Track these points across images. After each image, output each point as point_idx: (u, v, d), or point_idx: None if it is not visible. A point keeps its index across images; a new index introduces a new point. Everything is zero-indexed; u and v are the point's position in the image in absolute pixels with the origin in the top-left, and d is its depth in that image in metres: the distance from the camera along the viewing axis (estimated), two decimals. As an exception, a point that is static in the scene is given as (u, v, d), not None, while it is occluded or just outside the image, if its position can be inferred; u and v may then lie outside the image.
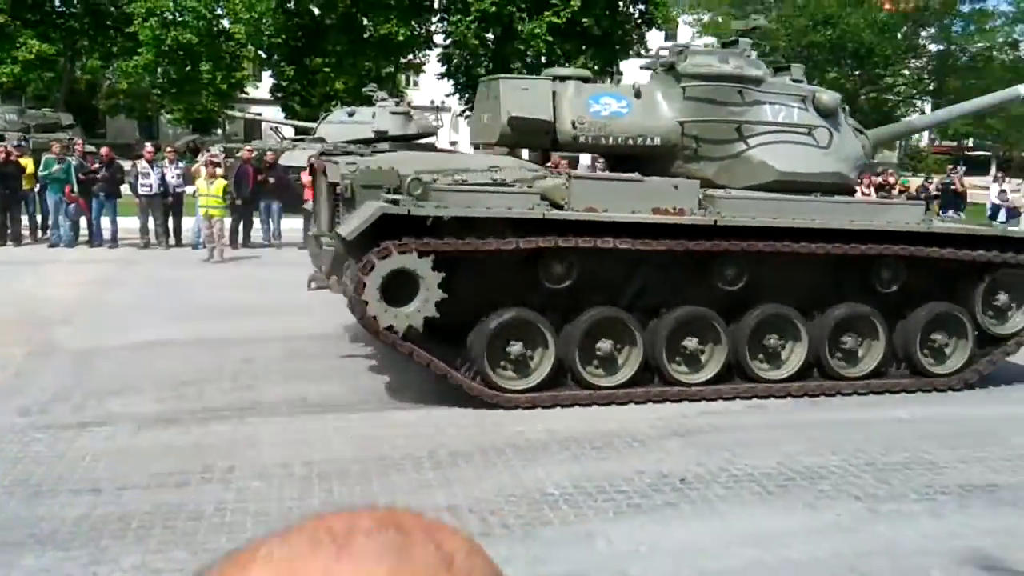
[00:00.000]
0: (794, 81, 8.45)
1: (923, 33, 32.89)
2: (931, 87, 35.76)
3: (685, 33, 37.98)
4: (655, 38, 35.63)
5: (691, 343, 7.52)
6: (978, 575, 4.54)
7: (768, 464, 6.05)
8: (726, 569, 4.57)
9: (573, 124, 7.89)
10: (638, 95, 8.03)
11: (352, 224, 6.54)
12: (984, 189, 21.47)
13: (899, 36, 31.99)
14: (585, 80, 8.21)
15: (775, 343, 7.78)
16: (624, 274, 7.42)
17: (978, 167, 47.04)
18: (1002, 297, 8.38)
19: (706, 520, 5.14)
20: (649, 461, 6.03)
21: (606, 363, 7.40)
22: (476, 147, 10.09)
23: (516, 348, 7.12)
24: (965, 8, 31.29)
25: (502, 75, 8.68)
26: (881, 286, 7.93)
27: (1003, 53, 32.29)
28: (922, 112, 40.67)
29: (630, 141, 7.97)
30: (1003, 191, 20.12)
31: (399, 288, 6.61)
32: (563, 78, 8.17)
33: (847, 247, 7.59)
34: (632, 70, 45.72)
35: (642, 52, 31.35)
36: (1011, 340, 8.45)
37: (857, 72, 33.57)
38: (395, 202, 6.58)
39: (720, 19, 33.78)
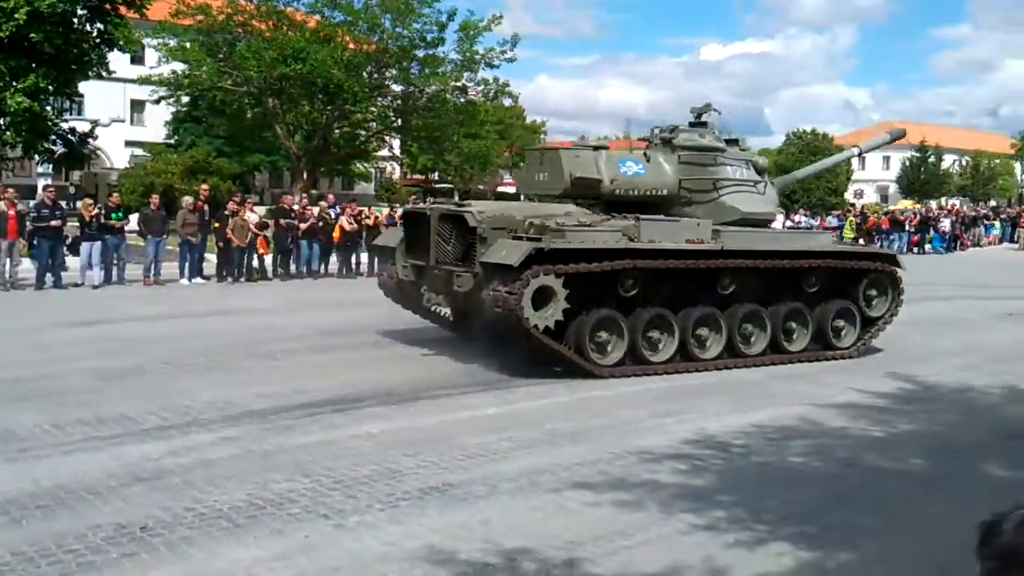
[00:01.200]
0: (741, 150, 12.73)
1: (387, 73, 35.53)
2: (397, 123, 38.87)
3: (152, 56, 36.42)
4: (119, 60, 33.60)
5: (703, 331, 10.80)
6: (429, 570, 4.90)
7: (237, 497, 5.93)
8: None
9: (611, 181, 11.13)
10: (648, 159, 11.42)
11: (512, 255, 9.36)
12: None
13: (365, 75, 34.15)
14: (597, 148, 11.48)
15: (751, 330, 11.20)
16: (665, 285, 10.53)
17: (441, 197, 52.19)
18: (873, 292, 12.28)
19: (169, 566, 4.85)
20: (106, 513, 5.53)
21: (656, 345, 10.48)
22: (529, 198, 12.69)
23: (603, 336, 10.16)
24: (421, 53, 34.42)
25: (556, 146, 12.42)
26: (808, 287, 11.60)
27: (455, 96, 36.22)
28: (390, 146, 44.06)
29: (647, 192, 11.38)
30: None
31: (540, 298, 9.46)
32: (596, 148, 11.44)
33: (797, 262, 11.38)
34: (96, 92, 42.38)
35: (103, 74, 29.30)
36: (879, 320, 12.33)
37: (329, 107, 35.14)
38: (534, 239, 9.48)
39: (188, 44, 32.98)
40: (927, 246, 35.98)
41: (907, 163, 66.65)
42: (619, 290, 10.16)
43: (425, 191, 55.59)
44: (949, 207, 47.95)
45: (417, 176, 71.61)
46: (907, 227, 35.65)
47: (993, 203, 58.00)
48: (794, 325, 11.59)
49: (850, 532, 5.63)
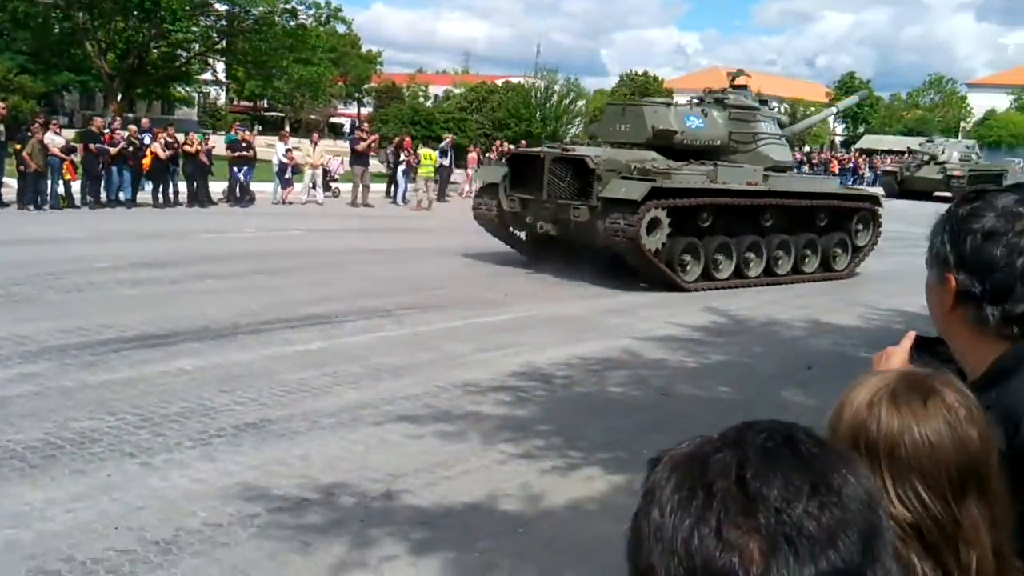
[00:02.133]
0: (770, 108, 16.55)
1: (209, -9, 33.52)
2: (221, 46, 36.79)
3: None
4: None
5: (750, 255, 13.40)
6: (243, 507, 4.73)
7: (33, 436, 5.52)
8: (-29, 563, 4.01)
9: (681, 132, 13.60)
10: (705, 115, 14.09)
11: (634, 192, 11.65)
12: (272, 147, 23.03)
13: (185, -9, 32.07)
14: (668, 104, 14.48)
15: (780, 255, 13.87)
16: (726, 218, 12.96)
17: (272, 127, 50.34)
18: (860, 226, 15.20)
19: (-49, 513, 4.46)
20: None
21: (719, 266, 13.08)
22: (610, 145, 14.32)
23: (686, 258, 12.60)
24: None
25: (641, 100, 16.50)
26: (819, 222, 14.41)
27: (284, 19, 34.58)
28: (214, 70, 41.71)
29: (706, 142, 14.00)
30: (288, 150, 21.76)
31: (651, 227, 11.78)
32: (667, 104, 14.50)
33: (817, 201, 14.32)
34: None
35: None
36: (864, 249, 15.30)
37: (146, 24, 32.80)
38: (647, 179, 11.80)
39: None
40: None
41: (731, 108, 69.45)
42: (697, 222, 12.57)
43: (253, 119, 53.34)
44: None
45: (244, 103, 68.56)
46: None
47: (807, 149, 61.40)
48: (808, 252, 14.40)
49: (661, 457, 5.86)
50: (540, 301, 11.17)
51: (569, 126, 42.05)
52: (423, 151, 23.40)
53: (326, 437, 5.90)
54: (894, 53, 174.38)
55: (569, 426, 6.33)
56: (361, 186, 22.36)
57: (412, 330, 9.16)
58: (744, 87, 15.74)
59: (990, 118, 78.17)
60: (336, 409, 6.45)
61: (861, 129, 78.45)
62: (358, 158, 22.55)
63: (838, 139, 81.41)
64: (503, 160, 19.02)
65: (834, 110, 24.59)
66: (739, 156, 14.06)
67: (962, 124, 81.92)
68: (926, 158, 38.43)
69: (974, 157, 39.35)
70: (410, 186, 23.96)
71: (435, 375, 7.49)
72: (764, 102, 15.91)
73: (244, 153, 20.30)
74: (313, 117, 45.75)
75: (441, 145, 25.57)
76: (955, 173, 35.67)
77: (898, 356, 1.67)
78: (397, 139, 24.88)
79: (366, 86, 69.13)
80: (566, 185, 12.54)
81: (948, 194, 33.03)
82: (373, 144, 23.95)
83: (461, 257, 14.56)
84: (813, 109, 76.95)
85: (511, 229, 14.20)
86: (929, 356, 1.76)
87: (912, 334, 1.71)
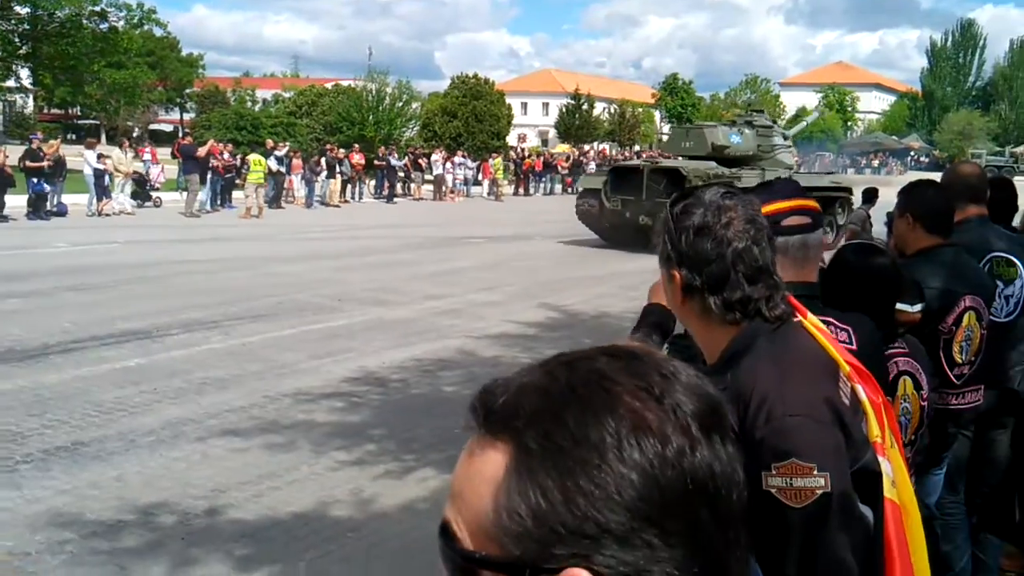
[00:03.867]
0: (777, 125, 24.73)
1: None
2: (24, 50, 34.38)
3: None
4: None
5: None
6: (53, 534, 4.45)
7: None
8: None
9: (728, 147, 19.05)
10: (742, 133, 19.56)
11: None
12: (80, 157, 21.75)
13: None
14: (725, 124, 20.90)
15: None
16: None
17: (88, 135, 47.41)
18: (839, 209, 19.59)
19: None
20: None
21: None
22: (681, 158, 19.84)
23: None
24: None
25: (701, 123, 23.87)
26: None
27: (92, 22, 32.70)
28: (18, 77, 38.96)
29: (744, 153, 19.48)
30: (100, 156, 20.64)
31: None
32: (714, 125, 21.01)
33: (823, 192, 18.30)
34: None
35: None
36: (842, 227, 18.18)
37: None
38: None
39: None
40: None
41: (563, 110, 71.12)
42: None
43: (65, 127, 50.21)
44: (599, 151, 52.07)
45: (56, 110, 64.45)
46: (559, 169, 38.25)
47: (637, 148, 63.68)
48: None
49: (493, 452, 5.93)
50: (373, 305, 11.06)
51: (403, 129, 41.91)
52: (252, 157, 22.74)
53: (144, 456, 5.62)
54: (713, 54, 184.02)
55: (402, 428, 6.30)
56: (189, 194, 21.49)
57: (240, 341, 8.87)
58: (761, 111, 23.19)
59: (801, 115, 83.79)
60: (156, 426, 6.16)
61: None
62: (192, 165, 21.64)
63: (665, 137, 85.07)
64: (601, 170, 25.01)
65: (803, 124, 33.96)
66: (764, 162, 19.47)
67: (777, 121, 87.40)
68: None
69: None
70: (238, 194, 23.26)
71: (264, 386, 7.28)
72: (774, 121, 23.94)
73: (39, 164, 19.03)
74: (130, 124, 43.45)
75: (278, 152, 24.92)
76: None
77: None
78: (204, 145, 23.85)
79: (188, 91, 66.43)
80: (662, 188, 16.91)
81: None
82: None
83: (292, 264, 14.24)
84: (640, 110, 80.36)
85: (605, 225, 18.52)
86: (676, 350, 1.92)
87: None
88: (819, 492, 1.45)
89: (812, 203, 2.04)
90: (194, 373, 7.56)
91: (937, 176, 4.20)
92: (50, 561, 4.21)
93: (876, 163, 71.97)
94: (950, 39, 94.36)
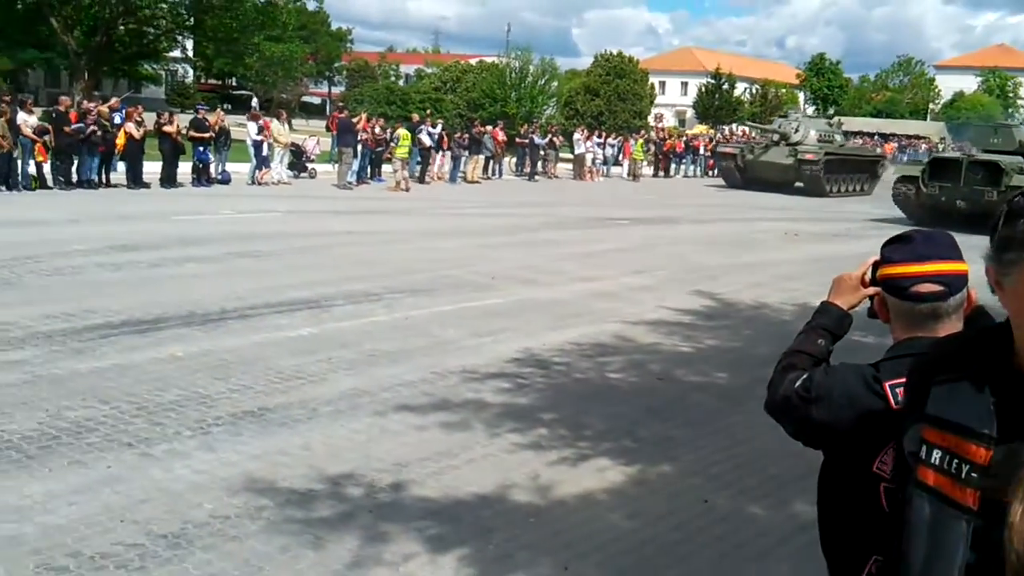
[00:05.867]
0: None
1: (178, -33, 32.86)
2: (190, 22, 36.12)
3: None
4: None
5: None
6: (249, 499, 4.64)
7: (28, 426, 5.38)
8: (-25, 560, 3.89)
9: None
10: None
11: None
12: (240, 127, 22.74)
13: (154, -33, 31.41)
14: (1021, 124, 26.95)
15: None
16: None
17: (242, 106, 49.52)
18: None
19: (-49, 506, 4.34)
20: None
21: None
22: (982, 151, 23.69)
23: None
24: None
25: (1009, 122, 30.71)
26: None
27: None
28: (183, 47, 40.95)
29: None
30: (261, 128, 21.45)
31: None
32: (1020, 124, 27.21)
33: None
34: None
35: None
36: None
37: (113, 0, 32.09)
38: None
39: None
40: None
41: (703, 89, 69.61)
42: None
43: (222, 98, 52.49)
44: (741, 133, 50.70)
45: (213, 81, 67.50)
46: (702, 151, 37.41)
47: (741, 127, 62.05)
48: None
49: (665, 445, 5.85)
50: (525, 285, 11.10)
51: (544, 107, 41.88)
52: (400, 131, 23.18)
53: (326, 425, 5.80)
54: (863, 34, 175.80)
55: (571, 414, 6.28)
56: (342, 165, 22.12)
57: (403, 315, 9.05)
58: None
59: (958, 100, 79.03)
60: (334, 396, 6.35)
61: (831, 111, 79.04)
62: (348, 138, 22.26)
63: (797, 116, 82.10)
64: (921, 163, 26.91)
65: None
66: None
67: (931, 106, 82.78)
68: (775, 138, 30.84)
69: (837, 138, 32.48)
70: (387, 167, 23.81)
71: (430, 362, 7.41)
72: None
73: (205, 135, 19.94)
74: (284, 96, 45.16)
75: (431, 129, 25.35)
76: (807, 156, 29.09)
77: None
78: (356, 118, 24.38)
79: (336, 64, 68.35)
80: (980, 178, 20.46)
81: (799, 184, 29.67)
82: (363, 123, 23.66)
83: (444, 239, 14.46)
84: (784, 91, 77.79)
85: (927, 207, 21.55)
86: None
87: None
88: None
89: (955, 266, 1.83)
90: (364, 344, 7.76)
91: None
92: (249, 526, 4.38)
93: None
94: None
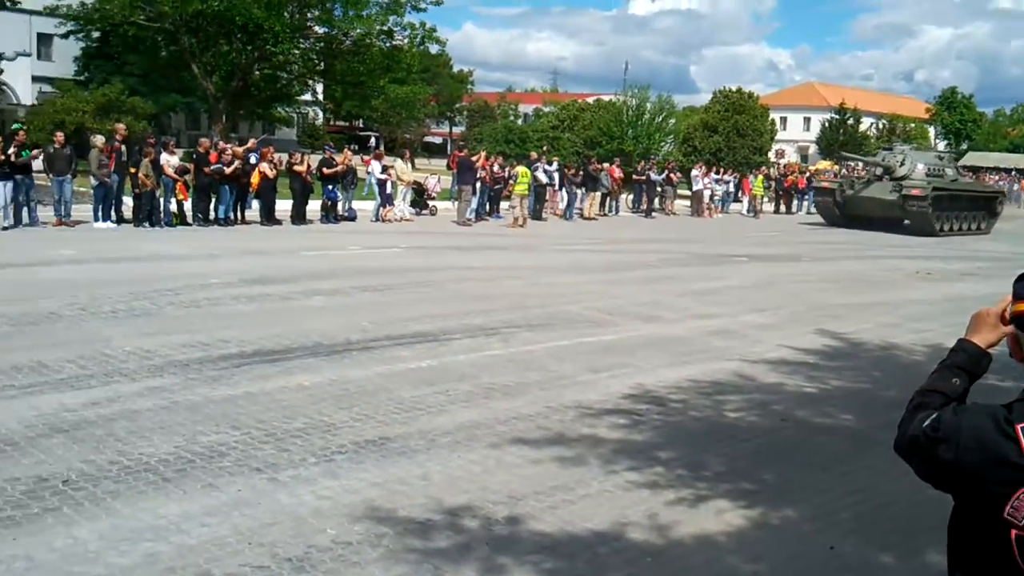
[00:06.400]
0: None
1: (309, 14, 34.39)
2: (320, 67, 37.75)
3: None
4: None
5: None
6: (370, 527, 4.75)
7: (165, 450, 5.67)
8: (115, 570, 4.12)
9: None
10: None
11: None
12: (364, 167, 23.63)
13: (286, 15, 32.97)
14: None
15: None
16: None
17: (366, 147, 51.25)
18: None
19: (94, 521, 4.61)
20: (24, 466, 5.23)
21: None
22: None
23: None
24: (342, -7, 33.38)
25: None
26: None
27: (379, 40, 35.26)
28: (314, 91, 42.77)
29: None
30: (385, 168, 22.19)
31: None
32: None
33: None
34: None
35: (7, 4, 27.58)
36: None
37: (249, 47, 33.88)
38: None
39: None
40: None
41: (826, 124, 67.92)
42: None
43: (349, 138, 54.48)
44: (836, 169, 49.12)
45: (341, 123, 70.15)
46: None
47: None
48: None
49: (787, 488, 5.68)
50: (643, 321, 11.02)
51: (662, 143, 41.71)
52: (519, 169, 23.52)
53: (444, 456, 5.90)
54: (998, 67, 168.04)
55: (689, 453, 6.19)
56: (461, 203, 22.58)
57: (518, 349, 9.13)
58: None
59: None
60: (451, 428, 6.46)
61: (964, 146, 75.73)
62: (467, 176, 22.76)
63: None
64: None
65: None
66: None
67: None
68: (878, 171, 28.61)
69: (949, 172, 29.63)
70: (504, 204, 24.17)
71: (546, 396, 7.44)
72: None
73: (335, 170, 20.73)
74: (408, 136, 46.44)
75: (547, 167, 25.66)
76: (913, 192, 26.51)
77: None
78: (475, 156, 24.80)
79: (457, 105, 70.02)
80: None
81: (907, 221, 27.18)
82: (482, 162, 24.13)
83: (561, 275, 14.54)
84: (912, 126, 75.16)
85: None
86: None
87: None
88: None
89: None
90: (481, 378, 7.87)
91: None
92: (370, 553, 4.49)
93: None
94: None
